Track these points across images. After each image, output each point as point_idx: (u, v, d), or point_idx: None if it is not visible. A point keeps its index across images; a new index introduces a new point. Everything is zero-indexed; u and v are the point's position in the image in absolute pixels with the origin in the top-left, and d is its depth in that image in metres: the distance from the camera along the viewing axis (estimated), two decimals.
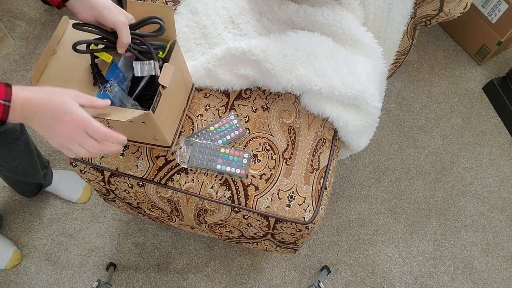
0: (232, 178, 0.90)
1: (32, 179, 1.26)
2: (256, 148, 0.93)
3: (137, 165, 0.91)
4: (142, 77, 0.77)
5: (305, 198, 0.90)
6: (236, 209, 0.89)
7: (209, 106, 0.97)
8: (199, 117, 0.96)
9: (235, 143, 0.93)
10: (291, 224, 0.89)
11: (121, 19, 0.69)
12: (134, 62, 0.75)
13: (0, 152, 1.06)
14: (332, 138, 1.00)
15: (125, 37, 0.70)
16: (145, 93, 0.79)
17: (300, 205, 0.89)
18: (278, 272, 1.35)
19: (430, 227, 1.46)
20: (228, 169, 0.88)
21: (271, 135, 0.95)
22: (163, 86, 0.75)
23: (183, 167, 0.90)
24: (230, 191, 0.89)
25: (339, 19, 1.00)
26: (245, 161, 0.89)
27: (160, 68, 0.76)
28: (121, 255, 1.34)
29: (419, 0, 1.01)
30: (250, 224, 0.93)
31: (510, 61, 1.83)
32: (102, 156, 0.92)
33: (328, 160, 0.96)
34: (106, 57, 0.73)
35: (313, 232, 0.96)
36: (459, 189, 1.53)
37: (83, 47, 0.72)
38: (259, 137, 0.94)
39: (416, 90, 1.73)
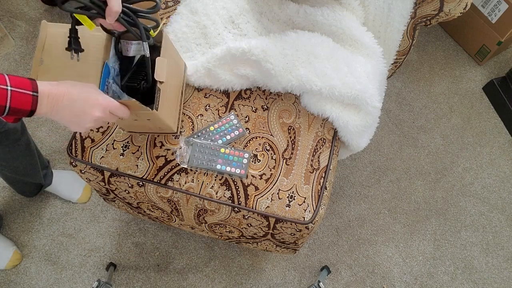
0: (232, 178, 0.90)
1: (32, 179, 1.26)
2: (256, 148, 0.93)
3: (137, 165, 0.91)
4: (129, 58, 0.76)
5: (305, 198, 0.90)
6: (236, 209, 0.89)
7: (209, 106, 0.97)
8: (199, 117, 0.96)
9: (235, 143, 0.93)
10: (291, 224, 0.89)
11: None
12: (122, 41, 0.72)
13: (1, 152, 1.06)
14: (332, 138, 1.00)
15: (115, 4, 0.65)
16: (136, 76, 0.78)
17: (300, 205, 0.89)
18: (278, 272, 1.35)
19: (430, 227, 1.46)
20: (228, 169, 0.88)
21: (271, 135, 0.95)
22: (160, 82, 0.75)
23: (183, 167, 0.90)
24: (230, 191, 0.89)
25: (339, 19, 1.00)
26: (245, 161, 0.89)
27: (150, 47, 0.73)
28: (121, 255, 1.34)
29: (419, 0, 1.01)
30: (250, 224, 0.93)
31: (510, 61, 1.83)
32: (102, 156, 0.92)
33: (328, 160, 0.96)
34: (89, 25, 0.69)
35: (313, 232, 0.96)
36: (459, 189, 1.53)
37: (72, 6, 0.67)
38: (259, 137, 0.94)
39: (416, 90, 1.73)
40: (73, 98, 0.65)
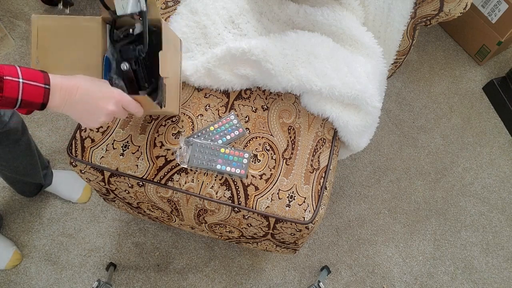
0: (232, 178, 0.90)
1: (33, 179, 1.26)
2: (256, 148, 0.93)
3: (137, 165, 0.91)
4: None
5: (305, 198, 0.90)
6: (236, 209, 0.89)
7: (209, 106, 0.97)
8: (199, 117, 0.96)
9: (235, 143, 0.93)
10: (291, 224, 0.89)
11: None
12: (115, 0, 0.71)
13: (1, 152, 1.06)
14: (332, 138, 1.00)
15: None
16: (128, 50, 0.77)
17: (300, 205, 0.89)
18: (278, 272, 1.35)
19: (430, 227, 1.46)
20: (228, 169, 0.88)
21: (271, 135, 0.95)
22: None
23: (183, 167, 0.90)
24: (230, 191, 0.89)
25: (339, 19, 1.00)
26: (245, 161, 0.89)
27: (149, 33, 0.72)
28: (121, 255, 1.34)
29: (419, 0, 1.01)
30: (250, 224, 0.93)
31: (510, 61, 1.83)
32: (102, 156, 0.92)
33: (328, 160, 0.96)
34: None
35: (313, 232, 0.96)
36: (459, 189, 1.53)
37: None
38: (259, 137, 0.94)
39: (416, 90, 1.73)
40: (87, 92, 0.65)
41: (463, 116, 1.68)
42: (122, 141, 0.93)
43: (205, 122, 0.95)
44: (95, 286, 1.14)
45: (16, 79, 0.58)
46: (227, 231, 1.03)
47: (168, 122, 0.94)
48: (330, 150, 0.98)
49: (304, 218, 0.88)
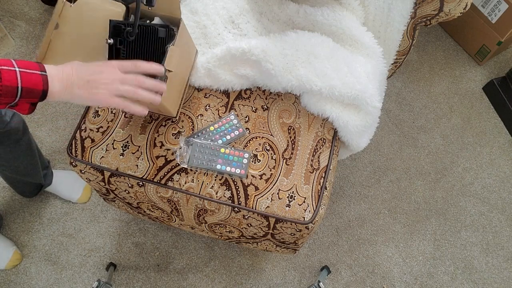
0: (232, 178, 0.90)
1: (33, 179, 1.26)
2: (256, 148, 0.93)
3: (137, 165, 0.91)
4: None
5: (305, 198, 0.90)
6: (236, 209, 0.89)
7: (209, 106, 0.97)
8: (199, 117, 0.96)
9: (235, 143, 0.93)
10: (291, 224, 0.89)
11: None
12: None
13: (2, 152, 1.06)
14: (332, 138, 1.00)
15: None
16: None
17: (300, 205, 0.89)
18: (278, 272, 1.35)
19: (430, 227, 1.46)
20: (228, 169, 0.88)
21: (271, 135, 0.95)
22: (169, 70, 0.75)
23: (183, 167, 0.90)
24: (230, 191, 0.89)
25: (339, 19, 1.00)
26: (245, 161, 0.89)
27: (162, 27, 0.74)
28: (121, 255, 1.34)
29: (419, 0, 1.01)
30: (250, 224, 0.93)
31: (510, 61, 1.83)
32: (102, 156, 0.92)
33: (328, 160, 0.96)
34: None
35: (313, 232, 0.96)
36: (459, 189, 1.53)
37: None
38: (259, 137, 0.94)
39: (416, 90, 1.73)
40: (81, 67, 0.66)
41: (463, 116, 1.68)
42: (122, 141, 0.93)
43: (205, 122, 0.95)
44: (95, 286, 1.14)
45: (12, 68, 0.59)
46: (227, 231, 1.03)
47: (168, 122, 0.94)
48: (330, 150, 0.98)
49: (304, 218, 0.88)
